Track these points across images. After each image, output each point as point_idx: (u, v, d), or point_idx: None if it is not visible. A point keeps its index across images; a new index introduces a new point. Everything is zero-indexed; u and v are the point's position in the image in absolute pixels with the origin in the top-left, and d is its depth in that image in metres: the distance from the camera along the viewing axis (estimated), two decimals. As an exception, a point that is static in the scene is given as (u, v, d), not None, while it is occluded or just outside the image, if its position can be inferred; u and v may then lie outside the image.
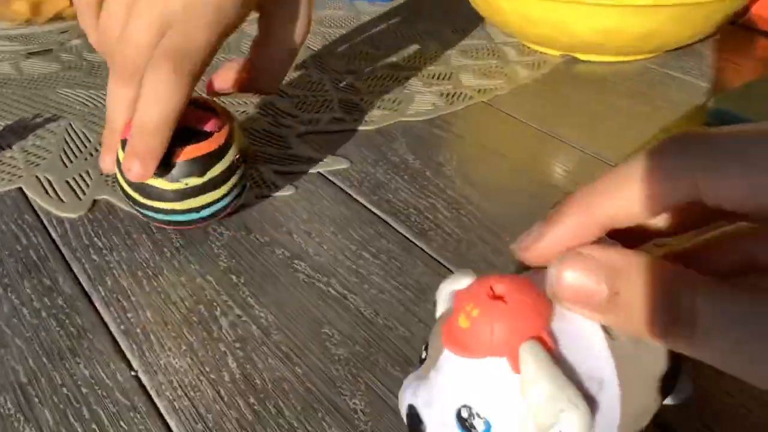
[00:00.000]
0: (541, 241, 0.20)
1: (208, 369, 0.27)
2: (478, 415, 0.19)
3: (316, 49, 0.56)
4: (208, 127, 0.32)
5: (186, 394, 0.26)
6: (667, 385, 0.21)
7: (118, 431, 0.25)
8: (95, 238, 0.35)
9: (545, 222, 0.20)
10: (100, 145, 0.42)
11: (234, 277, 0.32)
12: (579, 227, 0.20)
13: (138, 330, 0.29)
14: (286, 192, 0.38)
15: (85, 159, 0.41)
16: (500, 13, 0.54)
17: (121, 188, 0.33)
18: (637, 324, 0.18)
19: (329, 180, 0.39)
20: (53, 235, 0.35)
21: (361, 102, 0.48)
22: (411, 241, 0.35)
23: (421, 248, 0.34)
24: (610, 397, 0.19)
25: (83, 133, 0.44)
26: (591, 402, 0.19)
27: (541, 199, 0.37)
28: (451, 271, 0.32)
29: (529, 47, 0.57)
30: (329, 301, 0.31)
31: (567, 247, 0.20)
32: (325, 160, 0.41)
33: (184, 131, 0.31)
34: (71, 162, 0.41)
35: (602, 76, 0.52)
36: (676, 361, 0.22)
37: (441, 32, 0.60)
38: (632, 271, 0.19)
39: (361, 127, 0.45)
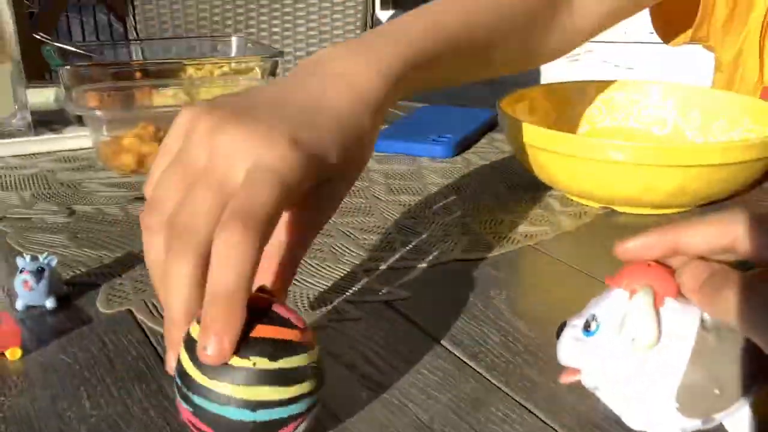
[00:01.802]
0: (629, 244, 0.33)
1: (290, 459, 0.32)
2: (596, 320, 0.32)
3: (381, 198, 0.64)
4: (290, 316, 0.30)
5: (272, 479, 0.31)
6: (741, 388, 0.30)
7: (216, 506, 0.29)
8: (194, 352, 0.41)
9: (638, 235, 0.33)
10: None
11: (311, 386, 0.37)
12: (654, 243, 0.32)
13: (231, 426, 0.34)
14: (354, 317, 0.44)
15: (184, 287, 0.48)
16: (545, 170, 0.61)
17: (179, 371, 0.30)
18: (728, 313, 0.29)
19: (394, 308, 0.45)
20: (158, 349, 0.41)
21: (421, 243, 0.54)
22: (464, 361, 0.40)
23: (472, 367, 0.39)
24: (680, 351, 0.30)
25: (182, 265, 0.51)
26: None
27: (580, 330, 0.42)
28: (498, 387, 0.37)
29: (572, 199, 0.63)
30: (392, 408, 0.36)
31: (643, 251, 0.32)
32: (389, 290, 0.47)
33: (257, 312, 0.29)
34: (172, 289, 0.47)
35: (638, 226, 0.58)
36: (749, 369, 0.30)
37: (492, 185, 0.67)
38: (731, 277, 0.30)
39: (420, 265, 0.51)
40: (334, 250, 0.53)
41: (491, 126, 0.85)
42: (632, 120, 0.73)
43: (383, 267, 0.51)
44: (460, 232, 0.57)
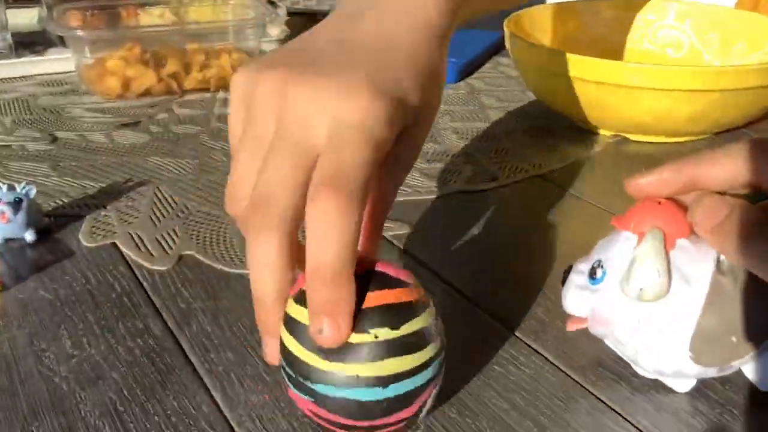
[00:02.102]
0: (643, 180, 0.30)
1: (283, 405, 0.30)
2: (602, 266, 0.29)
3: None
4: (400, 275, 0.26)
5: (264, 426, 0.29)
6: (750, 337, 0.28)
7: (203, 455, 0.28)
8: (182, 288, 0.38)
9: (654, 169, 0.30)
10: (186, 207, 0.46)
11: (306, 326, 0.35)
12: (672, 178, 0.30)
13: (220, 369, 0.32)
14: (353, 253, 0.41)
15: (172, 219, 0.45)
16: (554, 95, 0.58)
17: (287, 359, 0.26)
18: (746, 255, 0.26)
19: (392, 243, 0.43)
20: (144, 284, 0.39)
21: (421, 174, 0.51)
22: (467, 299, 0.37)
23: (477, 307, 0.37)
24: (693, 298, 0.28)
25: (170, 196, 0.48)
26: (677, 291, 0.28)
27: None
28: (502, 323, 0.35)
29: (582, 127, 0.60)
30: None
31: (657, 188, 0.30)
32: (388, 224, 0.44)
33: (363, 278, 0.26)
34: (159, 221, 0.45)
35: (651, 155, 0.55)
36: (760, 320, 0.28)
37: (497, 112, 0.64)
38: (751, 215, 0.27)
39: (423, 197, 0.48)
40: (330, 180, 0.50)
41: (497, 49, 0.81)
42: (646, 42, 0.69)
43: (382, 198, 0.48)
44: (462, 161, 0.54)
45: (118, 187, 0.49)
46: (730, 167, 0.29)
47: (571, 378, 0.32)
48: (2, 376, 0.32)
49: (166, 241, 0.43)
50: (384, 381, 0.25)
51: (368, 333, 0.25)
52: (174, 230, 0.44)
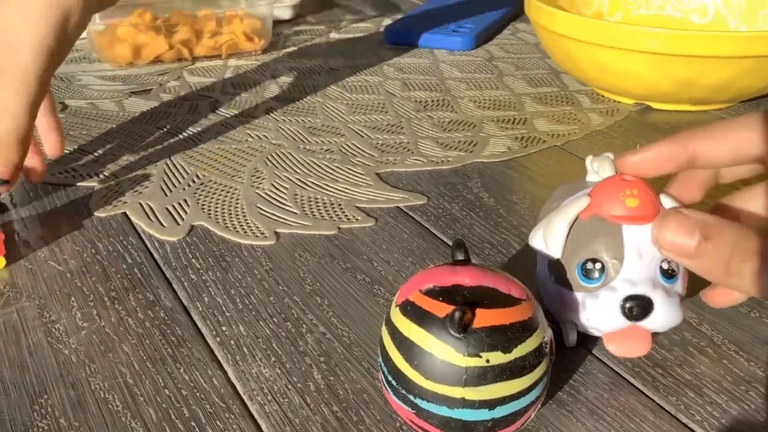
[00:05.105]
0: (636, 156, 0.29)
1: (295, 379, 0.29)
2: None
3: (395, 93, 0.59)
4: (513, 291, 0.25)
5: (275, 400, 0.28)
6: None
7: (215, 430, 0.27)
8: (193, 259, 0.38)
9: (647, 145, 0.28)
10: (197, 177, 0.46)
11: (319, 298, 0.34)
12: (671, 154, 0.28)
13: (232, 342, 0.32)
14: (367, 224, 0.41)
15: (183, 189, 0.44)
16: (575, 62, 0.56)
17: (392, 371, 0.25)
18: (714, 270, 0.25)
19: (408, 214, 0.42)
20: (155, 255, 0.38)
21: (437, 144, 0.50)
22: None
23: (494, 279, 0.36)
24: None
25: (181, 165, 0.47)
26: None
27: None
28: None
29: (602, 95, 0.58)
30: (407, 324, 0.33)
31: (653, 166, 0.28)
32: (403, 195, 0.43)
33: (471, 293, 0.25)
34: (170, 191, 0.44)
35: (675, 124, 0.54)
36: None
37: (515, 80, 0.62)
38: (717, 229, 0.25)
39: (438, 167, 0.47)
40: (344, 150, 0.49)
41: (515, 15, 0.79)
42: (670, 8, 0.67)
43: (397, 169, 0.47)
44: (479, 131, 0.52)
45: (128, 156, 0.49)
46: (733, 140, 0.27)
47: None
48: (12, 348, 0.31)
49: (177, 212, 0.42)
50: (491, 404, 0.24)
51: (479, 357, 0.23)
52: (185, 200, 0.43)
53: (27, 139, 0.38)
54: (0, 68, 0.37)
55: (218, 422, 0.27)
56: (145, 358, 0.31)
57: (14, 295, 0.35)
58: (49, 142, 0.45)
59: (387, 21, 0.79)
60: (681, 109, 0.55)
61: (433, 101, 0.58)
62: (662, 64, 0.51)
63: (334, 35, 0.75)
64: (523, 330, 0.24)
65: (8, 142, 0.37)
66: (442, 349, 0.24)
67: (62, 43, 0.38)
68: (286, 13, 0.79)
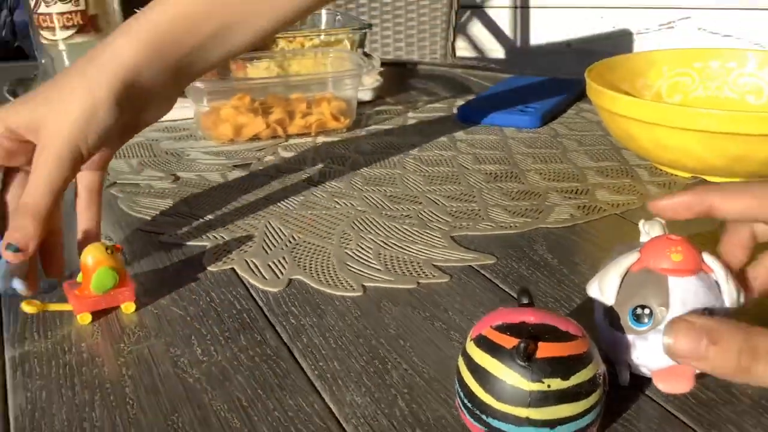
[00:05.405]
0: (665, 202, 0.35)
1: (383, 406, 0.35)
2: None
3: (468, 166, 0.65)
4: (570, 329, 0.30)
5: (367, 423, 0.33)
6: None
7: (316, 444, 0.32)
8: (292, 307, 0.44)
9: (676, 192, 0.35)
10: (293, 238, 0.52)
11: (402, 341, 0.40)
12: (691, 202, 0.34)
13: (328, 375, 0.37)
14: (442, 279, 0.46)
15: (282, 248, 0.51)
16: (634, 139, 0.61)
17: (468, 395, 0.30)
18: (725, 368, 0.27)
19: (479, 272, 0.47)
20: (260, 303, 0.44)
21: (505, 211, 0.56)
22: (549, 323, 0.41)
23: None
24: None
25: (279, 228, 0.54)
26: None
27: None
28: (582, 348, 0.38)
29: (660, 169, 0.63)
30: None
31: (675, 210, 0.35)
32: (475, 255, 0.49)
33: (536, 330, 0.30)
34: (270, 250, 0.51)
35: (730, 195, 0.58)
36: None
37: (578, 155, 0.67)
38: (722, 333, 0.28)
39: (506, 232, 0.52)
40: (421, 216, 0.55)
41: (579, 96, 0.85)
42: (727, 89, 0.71)
43: (469, 233, 0.52)
44: (545, 200, 0.58)
45: (233, 220, 0.56)
46: (746, 200, 0.33)
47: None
48: (146, 377, 0.38)
49: (278, 267, 0.48)
50: (552, 423, 0.29)
51: (542, 382, 0.28)
52: (284, 258, 0.49)
53: (40, 215, 0.41)
54: (43, 153, 0.42)
55: (320, 437, 0.33)
56: (256, 386, 0.36)
57: (144, 334, 0.41)
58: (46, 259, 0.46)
59: (459, 102, 0.86)
60: (735, 181, 0.59)
61: (502, 173, 0.64)
62: (716, 142, 0.56)
63: (411, 114, 0.83)
64: (579, 361, 0.29)
65: (24, 213, 0.41)
66: (510, 376, 0.29)
67: (88, 133, 0.43)
68: (367, 95, 0.86)
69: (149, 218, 0.56)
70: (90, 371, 0.38)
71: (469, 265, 0.48)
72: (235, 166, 0.68)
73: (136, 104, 0.46)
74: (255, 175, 0.65)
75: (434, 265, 0.48)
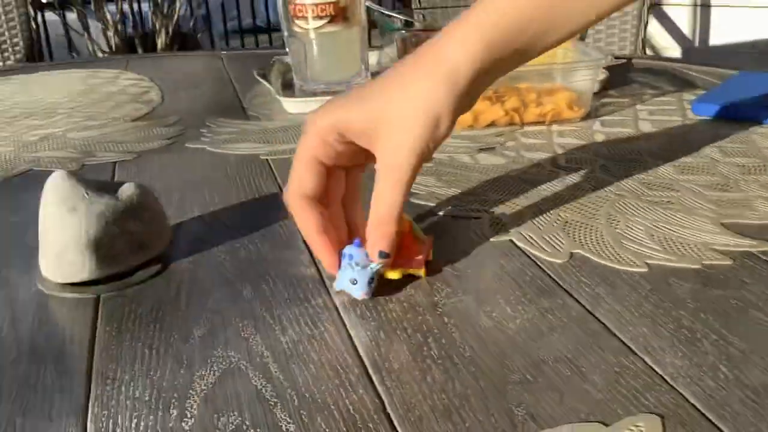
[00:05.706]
0: None
1: (705, 369, 0.37)
2: None
3: (717, 159, 0.66)
4: None
5: (695, 383, 0.36)
6: None
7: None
8: (581, 277, 0.47)
9: None
10: (559, 217, 0.55)
11: (702, 314, 0.42)
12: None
13: (640, 338, 0.40)
14: (725, 262, 0.48)
15: (552, 225, 0.54)
16: None
17: None
18: None
19: (760, 258, 0.48)
20: (548, 272, 0.48)
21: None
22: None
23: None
24: None
25: (546, 207, 0.57)
26: None
27: None
28: None
29: None
30: None
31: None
32: (752, 242, 0.50)
33: None
34: (541, 227, 0.54)
35: None
36: None
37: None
38: None
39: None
40: (683, 202, 0.57)
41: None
42: None
43: (740, 221, 0.53)
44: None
45: (494, 197, 0.60)
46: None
47: None
48: (467, 326, 0.42)
49: (554, 241, 0.52)
50: None
51: None
52: (557, 233, 0.53)
53: (396, 220, 0.46)
54: (390, 166, 0.46)
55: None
56: (576, 343, 0.40)
57: (452, 290, 0.46)
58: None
59: (686, 95, 0.86)
60: None
61: (753, 166, 0.64)
62: None
63: (639, 107, 0.84)
64: None
65: (387, 221, 0.46)
66: None
67: (430, 144, 0.46)
68: (595, 87, 0.88)
69: (419, 193, 0.62)
70: (414, 318, 0.43)
71: (749, 251, 0.49)
72: (480, 149, 0.72)
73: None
74: (501, 158, 0.69)
75: (713, 249, 0.49)
